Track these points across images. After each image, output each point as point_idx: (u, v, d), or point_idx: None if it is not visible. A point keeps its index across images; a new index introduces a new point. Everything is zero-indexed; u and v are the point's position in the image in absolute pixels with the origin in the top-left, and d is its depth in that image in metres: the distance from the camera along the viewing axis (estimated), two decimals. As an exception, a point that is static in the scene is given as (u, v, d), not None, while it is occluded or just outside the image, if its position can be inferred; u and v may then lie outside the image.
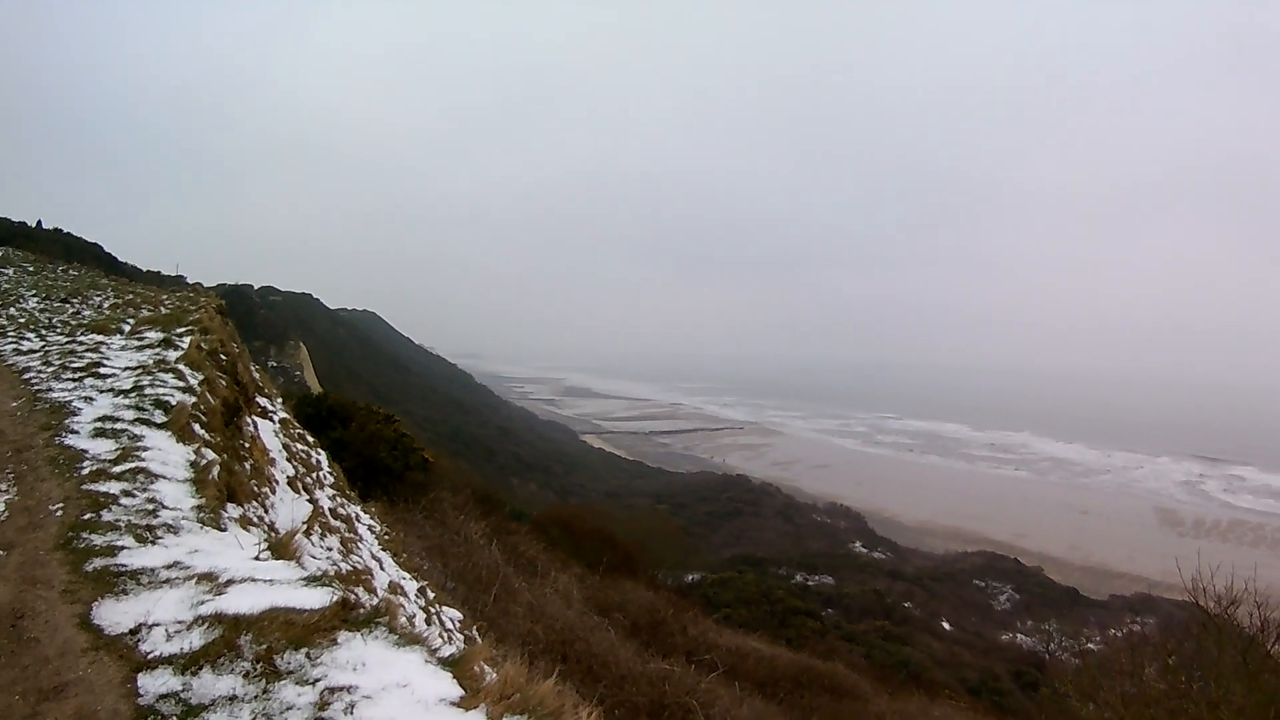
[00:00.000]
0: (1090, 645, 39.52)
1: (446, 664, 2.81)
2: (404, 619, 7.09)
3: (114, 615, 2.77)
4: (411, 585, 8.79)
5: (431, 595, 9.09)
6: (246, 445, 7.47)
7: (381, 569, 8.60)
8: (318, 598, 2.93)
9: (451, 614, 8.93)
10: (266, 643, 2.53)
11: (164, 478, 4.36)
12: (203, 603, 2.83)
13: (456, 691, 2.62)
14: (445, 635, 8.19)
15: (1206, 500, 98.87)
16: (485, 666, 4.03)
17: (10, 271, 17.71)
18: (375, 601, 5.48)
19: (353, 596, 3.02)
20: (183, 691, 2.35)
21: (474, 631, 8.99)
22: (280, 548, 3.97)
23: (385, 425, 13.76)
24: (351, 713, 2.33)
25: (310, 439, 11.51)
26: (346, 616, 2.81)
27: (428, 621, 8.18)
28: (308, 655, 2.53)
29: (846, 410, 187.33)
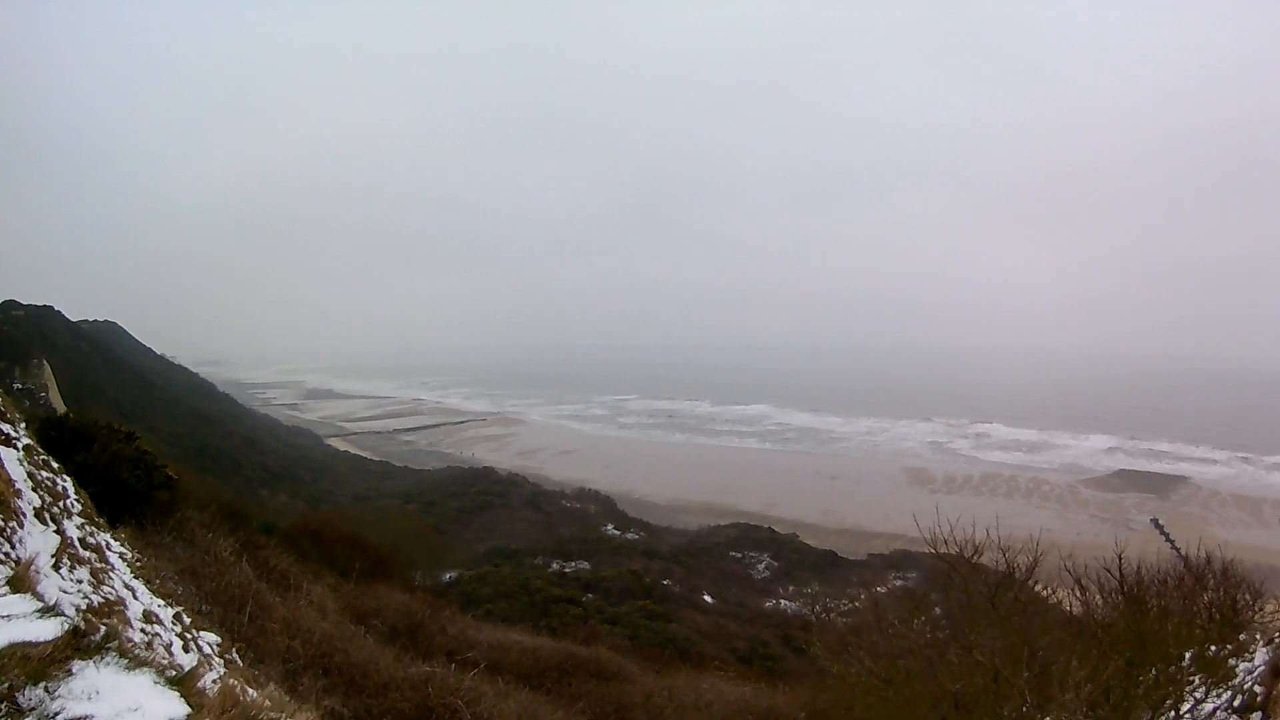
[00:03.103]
0: (855, 604, 41.26)
1: (173, 683, 3.01)
2: (160, 649, 7.21)
3: None
4: (167, 612, 8.74)
5: (188, 620, 9.08)
6: (-14, 479, 7.26)
7: (135, 598, 8.48)
8: (51, 629, 2.99)
9: (209, 638, 8.96)
10: (8, 680, 2.62)
11: (-98, 522, 4.34)
12: (-55, 648, 2.84)
13: (184, 710, 2.84)
14: (205, 660, 8.24)
15: (954, 458, 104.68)
16: (218, 680, 4.30)
17: None
18: (105, 626, 5.64)
19: (83, 624, 3.11)
20: (-66, 743, 2.40)
21: (234, 654, 9.08)
22: (17, 581, 3.95)
23: (127, 444, 13.00)
24: (89, 743, 2.42)
25: (55, 465, 10.96)
26: (79, 645, 2.91)
27: (185, 648, 8.18)
28: (46, 689, 2.63)
29: (586, 395, 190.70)
